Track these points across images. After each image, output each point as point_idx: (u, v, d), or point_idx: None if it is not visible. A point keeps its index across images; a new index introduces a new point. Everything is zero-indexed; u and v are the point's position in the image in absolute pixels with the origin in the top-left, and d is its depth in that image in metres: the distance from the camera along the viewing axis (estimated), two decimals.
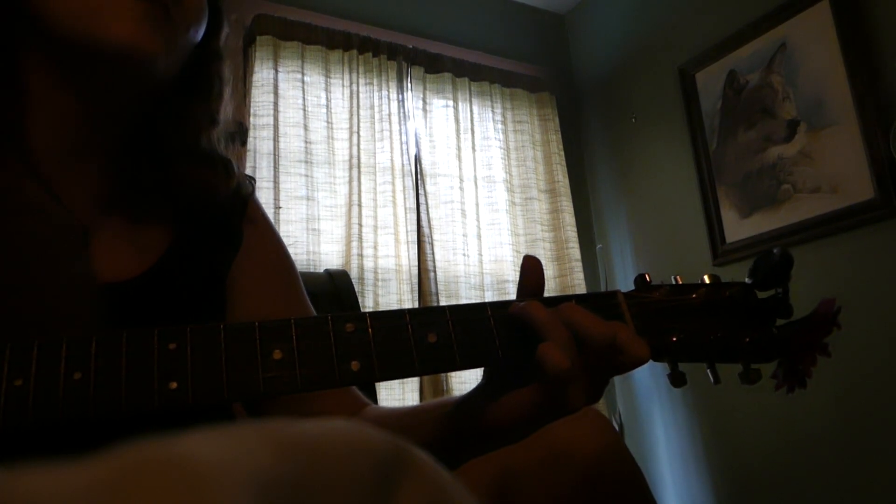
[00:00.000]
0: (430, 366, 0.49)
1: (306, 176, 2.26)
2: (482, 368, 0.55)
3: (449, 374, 2.28)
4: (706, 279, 0.56)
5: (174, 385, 0.44)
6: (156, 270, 0.66)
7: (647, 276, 0.56)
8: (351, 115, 2.38)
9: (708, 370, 0.54)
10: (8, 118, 0.59)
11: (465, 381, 2.27)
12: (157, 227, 0.69)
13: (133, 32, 0.58)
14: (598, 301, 0.54)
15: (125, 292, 0.62)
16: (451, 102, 2.64)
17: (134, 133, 0.68)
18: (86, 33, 0.57)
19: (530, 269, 0.54)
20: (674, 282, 0.57)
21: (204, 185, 0.70)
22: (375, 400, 1.19)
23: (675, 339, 0.52)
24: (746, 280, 0.55)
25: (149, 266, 0.66)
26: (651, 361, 0.51)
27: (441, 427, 0.57)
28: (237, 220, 0.76)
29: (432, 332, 0.49)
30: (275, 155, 2.19)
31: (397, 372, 0.48)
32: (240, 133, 2.15)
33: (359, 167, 2.32)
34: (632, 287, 0.57)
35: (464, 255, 2.51)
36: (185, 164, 0.69)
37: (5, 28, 0.60)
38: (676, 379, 0.53)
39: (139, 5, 0.59)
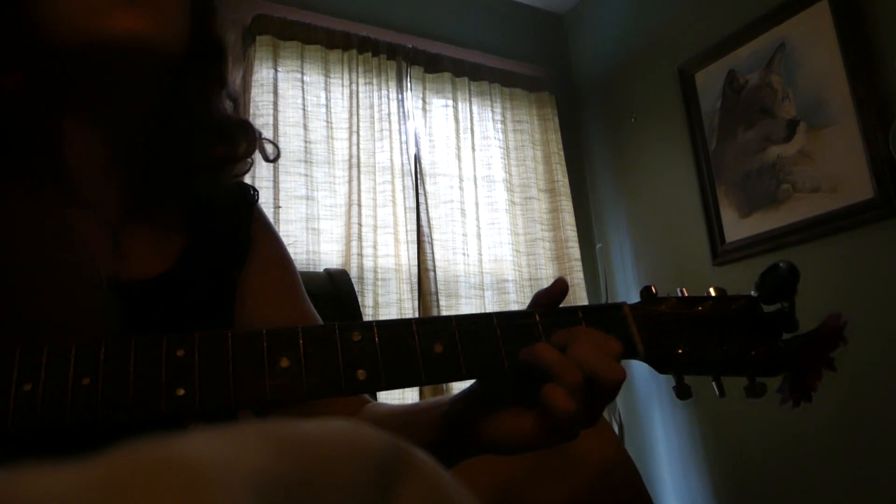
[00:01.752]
0: (436, 376, 0.49)
1: (306, 175, 2.26)
2: None
3: None
4: (712, 292, 0.56)
5: (181, 391, 0.45)
6: (173, 273, 0.68)
7: (653, 288, 0.56)
8: (350, 114, 2.38)
9: (713, 383, 0.54)
10: (49, 142, 0.62)
11: (466, 382, 2.27)
12: (174, 231, 0.72)
13: (127, 22, 0.59)
14: (604, 314, 0.54)
15: (144, 291, 0.65)
16: (450, 102, 2.64)
17: (156, 133, 0.70)
18: (84, 29, 0.58)
19: (557, 291, 0.55)
20: (679, 294, 0.57)
21: (223, 161, 0.71)
22: (375, 397, 1.19)
23: (681, 351, 0.52)
24: (752, 293, 0.55)
25: (166, 268, 0.68)
26: (658, 373, 0.51)
27: (435, 430, 0.57)
28: (246, 228, 0.78)
29: (438, 342, 0.49)
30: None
31: (403, 381, 0.48)
32: None
33: (358, 167, 2.33)
34: (632, 286, 0.57)
35: (463, 254, 2.51)
36: (205, 140, 0.70)
37: (40, 60, 0.62)
38: (682, 391, 0.53)
39: None
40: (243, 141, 0.73)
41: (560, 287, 0.55)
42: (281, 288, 0.78)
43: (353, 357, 0.47)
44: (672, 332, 0.53)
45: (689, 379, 0.55)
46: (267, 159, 0.81)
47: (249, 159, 0.77)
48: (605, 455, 0.64)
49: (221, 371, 0.45)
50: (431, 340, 0.49)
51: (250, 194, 0.82)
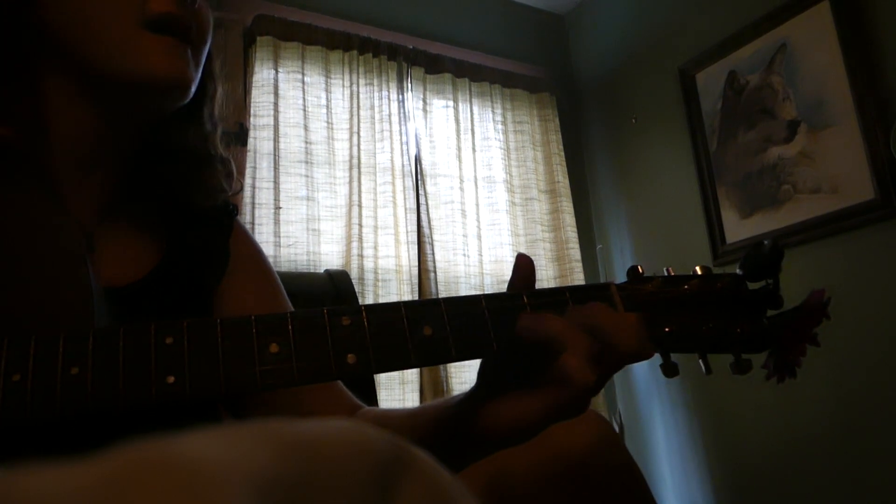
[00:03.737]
0: (426, 358, 0.49)
1: (306, 176, 2.26)
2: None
3: (450, 375, 2.28)
4: (698, 270, 0.57)
5: (171, 379, 0.44)
6: (149, 279, 0.67)
7: (639, 268, 0.56)
8: (351, 115, 2.39)
9: (700, 361, 0.54)
10: (27, 132, 0.61)
11: (466, 381, 2.27)
12: (153, 237, 0.72)
13: (170, 68, 0.61)
14: (591, 293, 0.54)
15: (121, 297, 0.64)
16: (451, 103, 2.64)
17: (140, 143, 0.71)
18: (125, 72, 0.60)
19: (523, 266, 0.54)
20: (666, 273, 0.57)
21: (209, 187, 0.73)
22: (375, 400, 1.19)
23: (667, 330, 0.52)
24: (737, 271, 0.56)
25: (143, 274, 0.67)
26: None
27: (439, 431, 0.57)
28: (225, 238, 0.78)
29: (427, 324, 0.49)
30: (275, 155, 2.20)
31: (393, 364, 0.48)
32: (240, 133, 2.16)
33: (359, 167, 2.33)
34: None
35: (464, 255, 2.51)
36: (192, 167, 0.72)
37: (29, 51, 0.62)
38: (669, 369, 0.53)
39: (167, 39, 0.61)
40: (223, 173, 0.75)
41: (522, 263, 0.54)
42: (261, 301, 0.77)
43: (343, 341, 0.47)
44: (659, 311, 0.53)
45: (680, 361, 0.54)
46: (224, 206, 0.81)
47: (237, 187, 0.79)
48: (593, 438, 0.64)
49: (211, 358, 0.45)
50: (421, 323, 0.49)
51: (230, 207, 0.81)
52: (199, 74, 0.68)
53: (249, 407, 0.72)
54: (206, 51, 0.69)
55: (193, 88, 0.66)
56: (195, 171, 0.72)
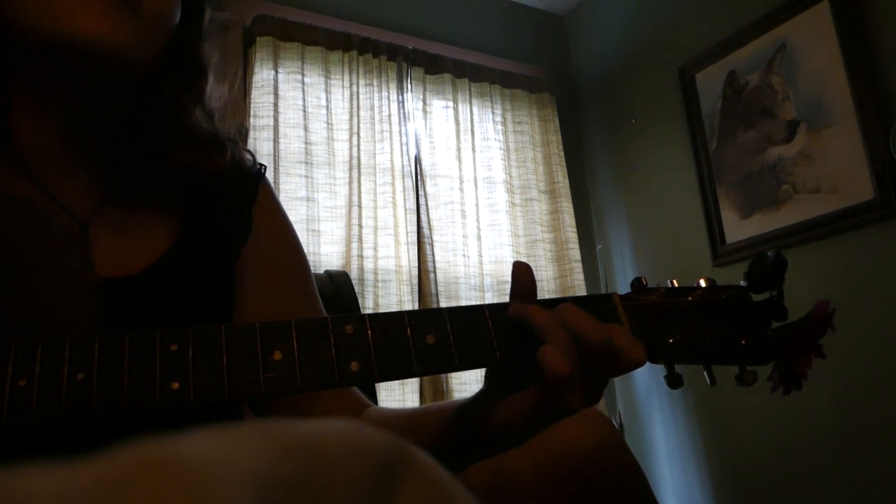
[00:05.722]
0: (429, 367, 0.49)
1: (306, 177, 2.26)
2: (483, 370, 0.56)
3: (450, 375, 2.28)
4: (702, 282, 0.57)
5: (176, 385, 0.45)
6: (161, 265, 0.65)
7: (643, 279, 0.56)
8: (351, 116, 2.39)
9: (704, 372, 0.54)
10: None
11: (466, 381, 2.27)
12: (163, 219, 0.68)
13: (97, 26, 0.57)
14: (594, 304, 0.54)
15: (130, 288, 0.62)
16: (450, 103, 2.64)
17: (124, 124, 0.68)
18: (50, 30, 0.56)
19: (522, 275, 0.54)
20: (670, 284, 0.57)
21: (196, 165, 0.68)
22: (375, 400, 1.19)
23: (671, 340, 0.52)
24: (742, 283, 0.56)
25: (154, 261, 0.65)
26: (648, 363, 0.51)
27: (443, 431, 0.57)
28: (247, 206, 0.74)
29: (430, 333, 0.49)
30: (275, 156, 2.20)
31: (396, 373, 0.48)
32: (239, 134, 2.16)
33: (359, 168, 2.33)
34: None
35: (464, 255, 2.51)
36: (173, 145, 0.67)
37: None
38: (673, 380, 0.53)
39: None
40: (213, 152, 0.70)
41: (521, 271, 0.54)
42: (284, 276, 0.74)
43: (346, 349, 0.47)
44: (662, 322, 0.53)
45: (683, 370, 0.54)
46: (248, 169, 0.76)
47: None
48: (596, 441, 0.64)
49: (215, 365, 0.45)
50: (423, 332, 0.49)
51: (255, 171, 0.76)
52: (148, 44, 0.62)
53: (271, 405, 0.71)
54: (163, 22, 0.64)
55: (133, 56, 0.60)
56: (178, 149, 0.67)
